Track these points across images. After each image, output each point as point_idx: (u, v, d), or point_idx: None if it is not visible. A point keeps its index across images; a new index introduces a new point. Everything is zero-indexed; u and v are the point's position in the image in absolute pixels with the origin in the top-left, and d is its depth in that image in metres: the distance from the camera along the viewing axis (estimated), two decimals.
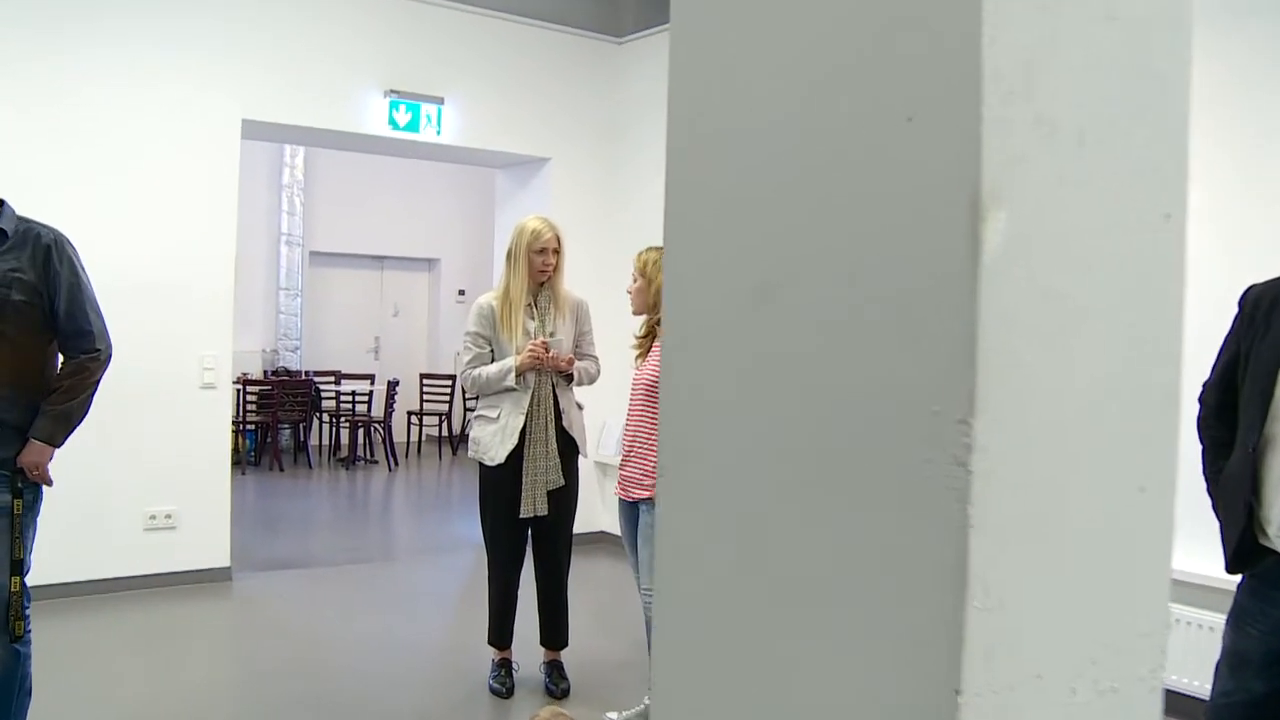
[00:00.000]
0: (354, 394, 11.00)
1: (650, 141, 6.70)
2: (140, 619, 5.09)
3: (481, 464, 4.12)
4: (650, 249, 3.79)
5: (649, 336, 3.88)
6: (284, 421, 10.41)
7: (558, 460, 4.08)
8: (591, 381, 4.26)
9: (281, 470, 9.97)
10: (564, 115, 6.78)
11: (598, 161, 6.93)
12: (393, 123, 6.04)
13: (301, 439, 10.72)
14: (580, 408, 4.26)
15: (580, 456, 4.23)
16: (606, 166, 6.95)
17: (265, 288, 11.23)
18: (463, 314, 13.17)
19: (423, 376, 11.83)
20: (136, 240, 5.35)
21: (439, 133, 6.22)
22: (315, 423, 11.01)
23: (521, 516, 4.05)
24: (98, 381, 3.29)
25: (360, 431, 10.71)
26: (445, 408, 11.61)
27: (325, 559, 6.55)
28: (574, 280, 6.89)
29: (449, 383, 11.64)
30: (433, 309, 12.82)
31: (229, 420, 5.76)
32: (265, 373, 11.13)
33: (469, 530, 7.52)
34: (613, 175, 6.94)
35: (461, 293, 12.79)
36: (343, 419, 10.99)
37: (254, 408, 10.05)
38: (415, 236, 12.32)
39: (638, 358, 3.89)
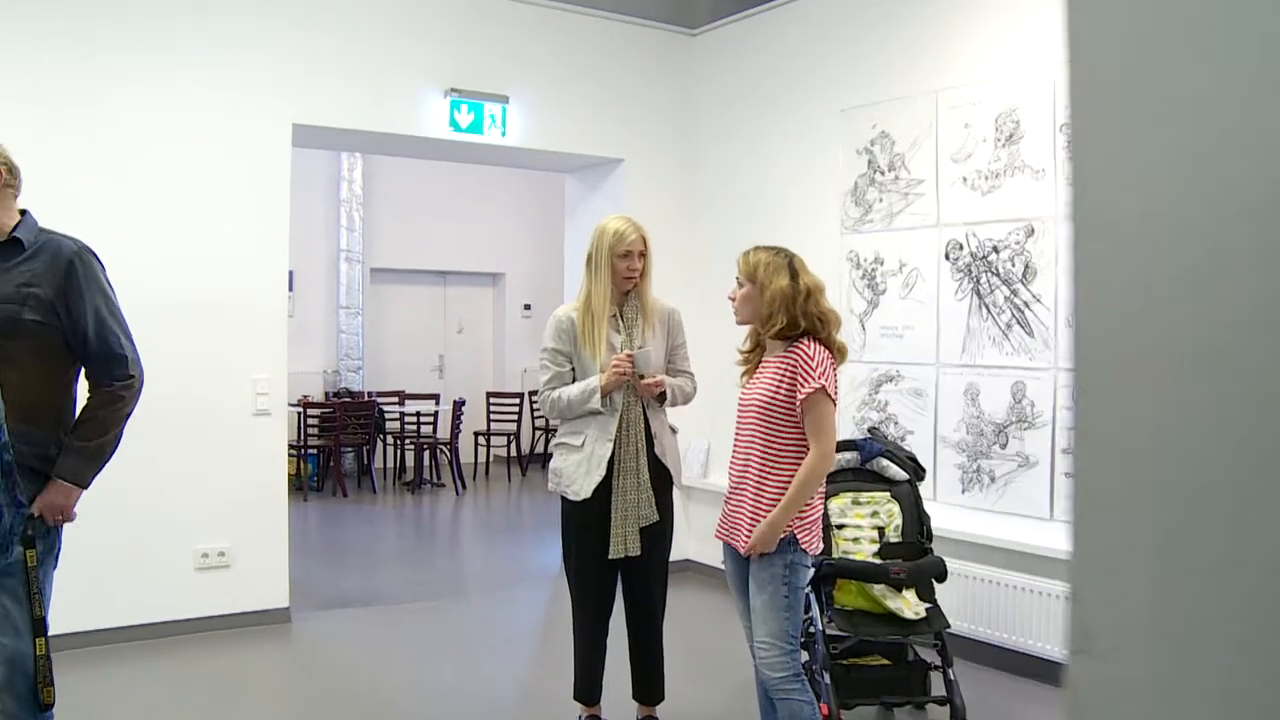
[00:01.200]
0: (419, 415, 10.61)
1: (728, 138, 6.19)
2: (191, 666, 4.67)
3: (564, 498, 3.63)
4: (759, 249, 3.27)
5: (756, 350, 3.35)
6: (347, 444, 10.04)
7: (650, 492, 3.57)
8: (687, 401, 3.75)
9: (345, 495, 9.59)
10: (636, 113, 6.29)
11: (674, 161, 6.43)
12: (454, 124, 5.59)
13: (365, 462, 10.34)
14: (674, 431, 3.74)
15: (675, 488, 3.72)
16: (683, 166, 6.45)
17: (325, 306, 10.90)
18: (530, 330, 12.86)
19: (489, 395, 11.42)
20: (179, 256, 4.95)
21: (504, 134, 5.77)
22: (379, 445, 10.64)
23: (611, 557, 3.54)
24: (130, 413, 2.86)
25: (426, 453, 10.31)
26: (513, 427, 11.18)
27: (392, 595, 6.10)
28: (655, 289, 6.42)
29: (516, 401, 11.21)
30: (498, 325, 12.42)
31: (285, 448, 5.34)
32: (327, 394, 10.78)
33: (544, 559, 7.03)
34: (690, 175, 6.43)
35: (528, 307, 12.38)
36: (407, 441, 10.60)
37: (315, 431, 9.68)
38: (479, 250, 11.93)
39: (743, 375, 3.37)
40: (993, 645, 4.51)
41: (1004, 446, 4.68)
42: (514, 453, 11.25)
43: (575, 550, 3.64)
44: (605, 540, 3.53)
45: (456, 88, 5.57)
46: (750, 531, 3.15)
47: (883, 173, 5.25)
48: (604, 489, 3.51)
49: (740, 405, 3.30)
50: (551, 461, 3.69)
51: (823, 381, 3.09)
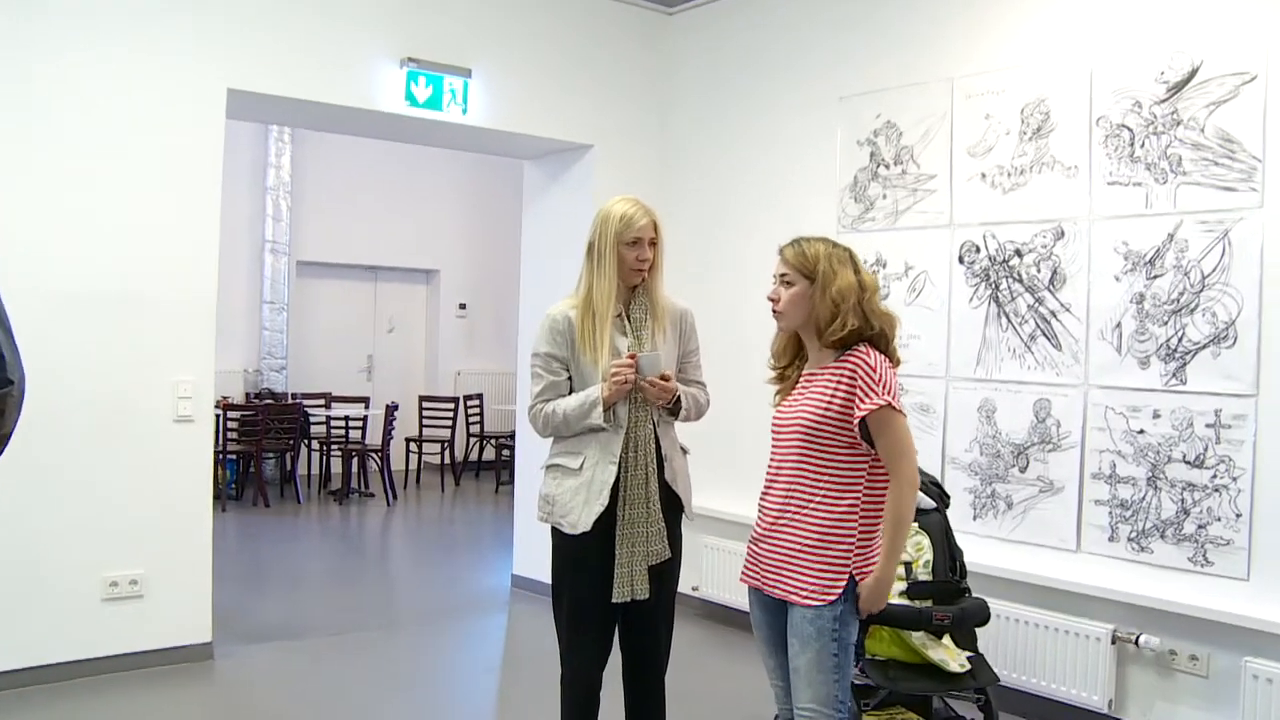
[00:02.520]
0: (347, 419, 9.89)
1: (709, 126, 5.68)
2: (98, 714, 3.99)
3: (556, 531, 3.07)
4: (814, 240, 2.76)
5: (794, 362, 2.84)
6: (269, 450, 9.29)
7: (662, 524, 3.03)
8: (700, 415, 3.22)
9: (267, 506, 8.85)
10: (608, 96, 5.75)
11: (648, 150, 5.90)
12: (410, 98, 4.99)
13: (289, 469, 9.60)
14: (686, 453, 3.21)
15: (685, 518, 3.19)
16: (658, 156, 5.92)
17: (248, 301, 10.12)
18: (465, 331, 12.19)
19: (422, 399, 10.75)
20: (90, 242, 4.27)
21: (465, 111, 5.17)
22: (303, 451, 9.90)
23: (615, 601, 2.99)
24: (10, 432, 2.23)
25: (354, 461, 9.60)
26: (447, 434, 10.52)
27: (324, 625, 5.45)
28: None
29: (451, 406, 10.56)
30: (431, 325, 11.75)
31: (209, 460, 4.66)
32: (247, 395, 10.01)
33: (487, 582, 6.44)
34: (666, 166, 5.90)
35: (463, 307, 11.74)
36: (334, 447, 9.89)
37: (235, 435, 8.92)
38: (412, 245, 11.26)
39: (777, 393, 2.86)
40: (1011, 689, 4.06)
41: (1024, 470, 4.25)
42: (448, 460, 10.60)
43: (569, 593, 3.07)
44: (606, 581, 2.98)
45: (414, 57, 4.96)
46: (797, 577, 2.64)
47: (887, 166, 4.80)
48: (607, 520, 2.97)
49: (776, 427, 2.78)
50: (541, 486, 3.12)
51: (891, 395, 2.61)
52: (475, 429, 11.01)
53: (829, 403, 2.64)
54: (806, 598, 2.63)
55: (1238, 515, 3.66)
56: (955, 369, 4.50)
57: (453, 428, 10.56)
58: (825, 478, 2.65)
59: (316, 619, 5.57)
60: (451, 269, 11.63)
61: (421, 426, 10.61)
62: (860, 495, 2.67)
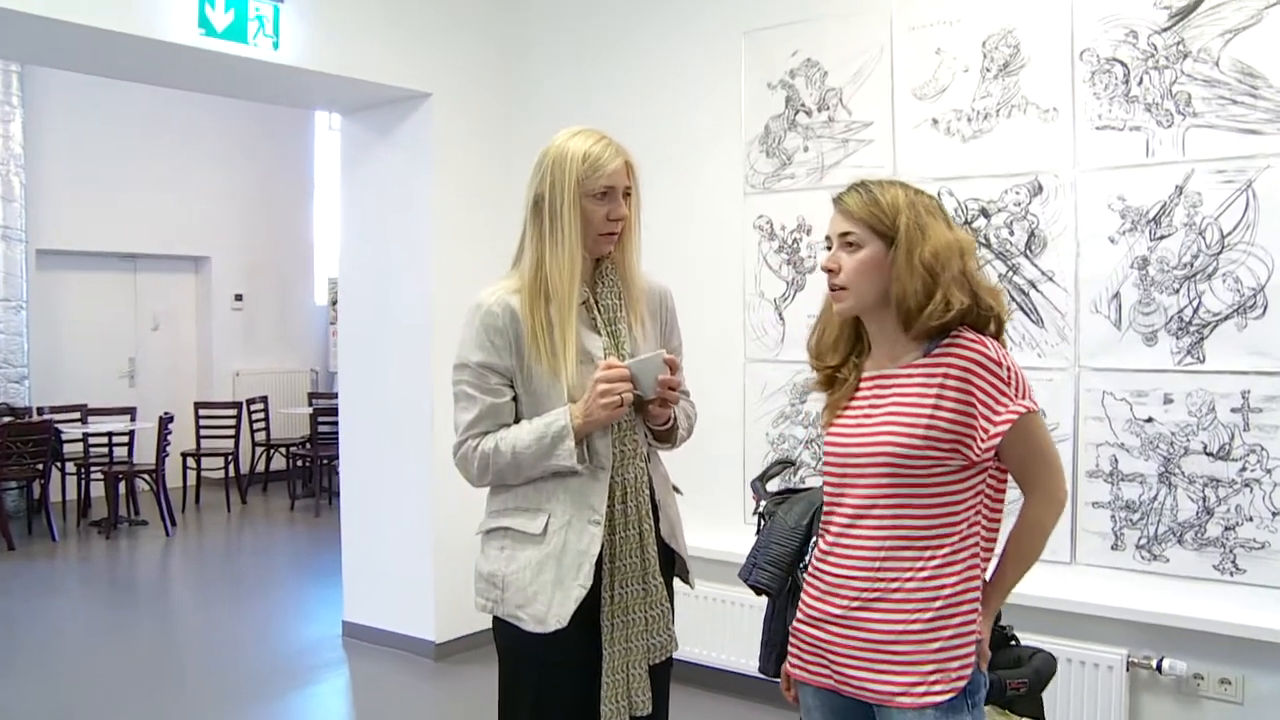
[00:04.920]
0: (110, 435, 8.33)
1: (576, 70, 4.74)
2: None
3: (505, 625, 2.09)
4: (890, 184, 1.93)
5: (848, 360, 2.00)
6: (11, 478, 7.65)
7: (666, 604, 2.13)
8: (690, 434, 2.33)
9: (11, 548, 7.24)
10: (453, 35, 4.72)
11: (500, 99, 4.91)
12: (205, 25, 3.80)
13: (38, 499, 7.97)
14: (678, 493, 2.31)
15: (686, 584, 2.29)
16: (513, 106, 4.93)
17: None
18: (243, 325, 10.64)
19: (198, 406, 9.27)
20: None
21: (276, 46, 4.02)
22: (56, 476, 8.26)
23: None
24: None
25: (121, 484, 8.07)
26: (229, 445, 9.10)
27: (93, 711, 4.20)
28: (468, 270, 4.88)
29: (233, 413, 9.14)
30: (203, 320, 10.20)
31: None
32: None
33: (309, 631, 5.28)
34: (523, 119, 4.91)
35: (239, 298, 10.28)
36: (94, 469, 8.32)
37: None
38: (178, 228, 9.70)
39: (828, 408, 2.01)
40: None
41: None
42: (232, 474, 9.17)
43: (531, 715, 2.10)
44: (589, 696, 2.05)
45: None
46: (903, 669, 1.83)
47: (809, 113, 4.02)
48: (587, 606, 2.03)
49: (839, 458, 1.94)
50: (480, 560, 2.13)
51: (1029, 396, 1.84)
52: (261, 437, 9.63)
53: (932, 417, 1.82)
54: (925, 695, 1.82)
55: (1274, 514, 3.11)
56: None
57: (236, 437, 9.14)
58: (935, 525, 1.84)
59: (80, 704, 4.30)
60: (224, 255, 10.13)
61: (199, 438, 9.15)
62: (980, 539, 1.89)
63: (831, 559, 1.92)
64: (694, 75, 4.35)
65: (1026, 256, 3.52)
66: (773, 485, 2.98)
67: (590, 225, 2.09)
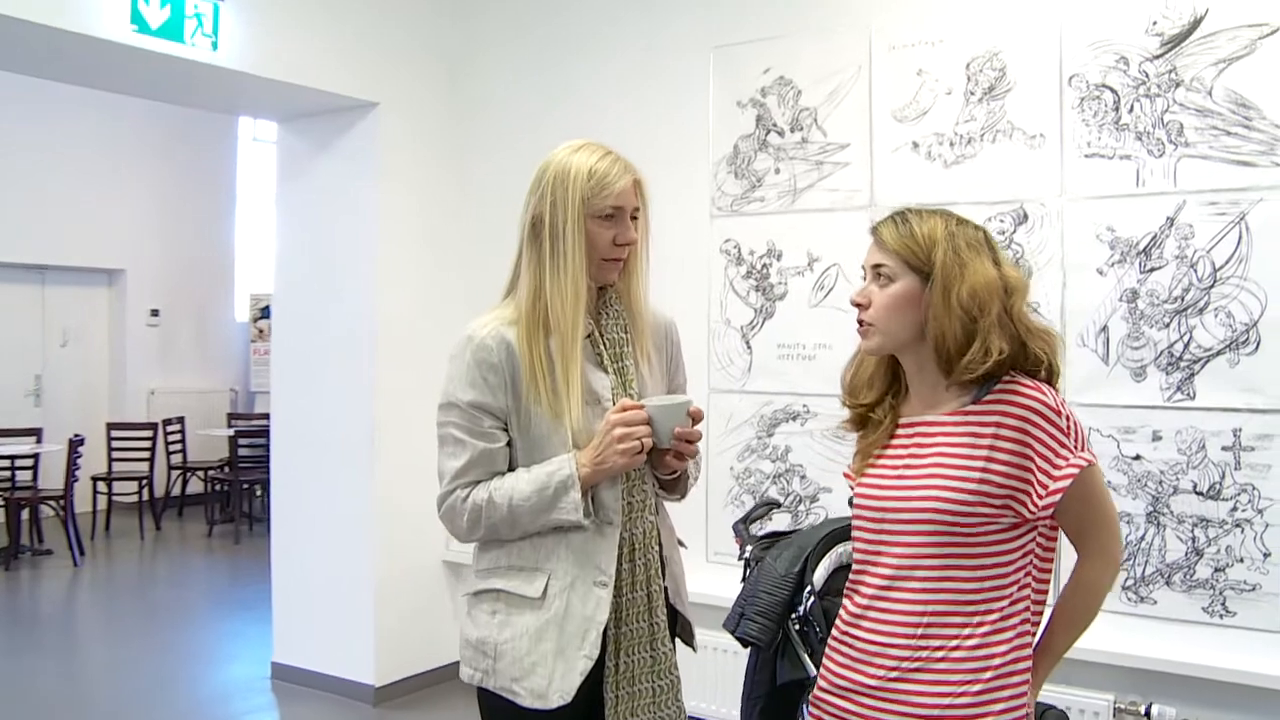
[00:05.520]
0: (13, 461, 7.82)
1: (535, 84, 4.53)
2: None
3: (503, 702, 1.85)
4: (930, 213, 1.78)
5: (882, 401, 1.84)
6: None
7: (675, 674, 1.92)
8: (696, 482, 2.14)
9: None
10: (403, 42, 4.48)
11: (452, 112, 4.69)
12: (139, 22, 3.51)
13: None
14: (683, 547, 2.10)
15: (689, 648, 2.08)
16: (466, 120, 4.71)
17: None
18: (159, 342, 10.14)
19: (110, 427, 8.80)
20: None
21: (215, 47, 3.74)
22: None
23: None
24: None
25: (24, 511, 7.57)
26: (144, 468, 8.64)
27: None
28: (414, 286, 4.66)
29: (148, 434, 8.68)
30: (116, 336, 9.72)
31: None
32: None
33: (235, 672, 4.94)
34: (477, 134, 4.69)
35: (155, 314, 9.81)
36: None
37: None
38: (90, 239, 9.24)
39: (860, 454, 1.84)
40: None
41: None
42: (146, 499, 8.70)
43: None
44: None
45: None
46: None
47: (781, 133, 3.87)
48: (592, 685, 1.81)
49: (872, 508, 1.78)
50: (468, 625, 1.89)
51: (1088, 448, 1.70)
52: (177, 459, 9.17)
53: (984, 470, 1.66)
54: None
55: (1265, 555, 3.03)
56: None
57: (151, 460, 8.68)
58: (983, 587, 1.68)
59: None
60: (140, 268, 9.69)
61: (111, 460, 8.67)
62: (1030, 603, 1.73)
63: (865, 624, 1.74)
64: (659, 90, 4.17)
65: None
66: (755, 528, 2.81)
67: (594, 249, 1.88)
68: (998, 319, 1.70)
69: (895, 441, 1.79)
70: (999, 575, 1.68)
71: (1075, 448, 1.66)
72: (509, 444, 1.88)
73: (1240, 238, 3.05)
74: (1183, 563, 3.14)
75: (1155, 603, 3.18)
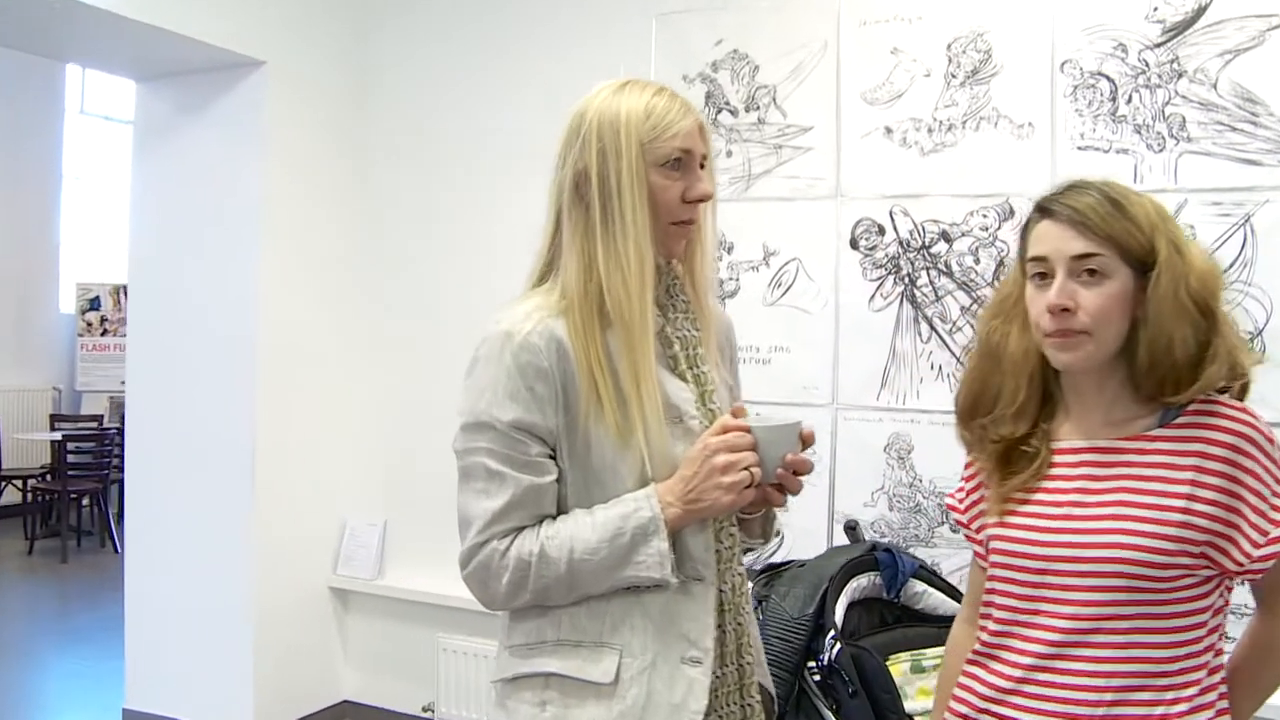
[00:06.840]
0: None
1: (446, 47, 4.04)
2: None
3: None
4: (1129, 189, 1.44)
5: (1035, 427, 1.49)
6: None
7: None
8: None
9: None
10: None
11: (349, 77, 4.13)
12: None
13: None
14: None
15: None
16: (365, 86, 4.16)
17: None
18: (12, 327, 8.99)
19: None
20: None
21: None
22: None
23: None
24: None
25: None
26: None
27: None
28: (303, 274, 4.13)
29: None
30: None
31: None
32: None
33: None
34: (378, 100, 4.15)
35: None
36: None
37: None
38: None
39: (999, 493, 1.48)
40: None
41: (956, 528, 3.18)
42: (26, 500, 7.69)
43: None
44: None
45: None
46: None
47: (734, 113, 3.51)
48: None
49: (1030, 555, 1.43)
50: (511, 713, 1.45)
51: None
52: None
53: (1187, 511, 1.34)
54: None
55: None
56: (847, 394, 3.32)
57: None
58: (1179, 654, 1.38)
59: None
60: None
61: None
62: (1208, 669, 1.40)
63: (1019, 701, 1.38)
64: (593, 62, 3.73)
65: (994, 288, 3.14)
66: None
67: (659, 209, 1.44)
68: (1222, 320, 1.38)
69: (1055, 472, 1.43)
70: (1194, 639, 1.36)
71: None
72: (558, 477, 1.43)
73: (1245, 240, 2.86)
74: None
75: None
